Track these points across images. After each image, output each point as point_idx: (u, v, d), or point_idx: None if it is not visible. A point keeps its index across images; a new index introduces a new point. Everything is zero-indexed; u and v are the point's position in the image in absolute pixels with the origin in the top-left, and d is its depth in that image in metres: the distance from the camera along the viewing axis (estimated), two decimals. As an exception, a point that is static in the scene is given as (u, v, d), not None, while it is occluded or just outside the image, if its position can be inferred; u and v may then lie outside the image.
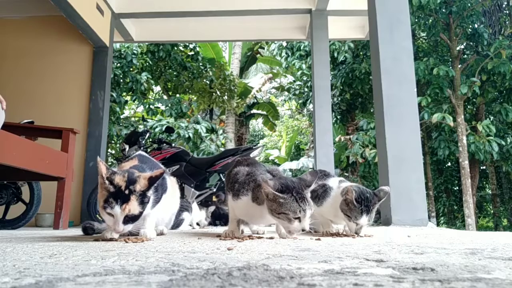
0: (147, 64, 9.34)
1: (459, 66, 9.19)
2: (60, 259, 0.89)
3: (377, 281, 0.58)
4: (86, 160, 4.98)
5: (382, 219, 2.89)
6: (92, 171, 4.86)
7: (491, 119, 9.85)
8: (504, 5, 10.18)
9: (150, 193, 1.45)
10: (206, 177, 4.60)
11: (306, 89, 10.58)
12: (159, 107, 10.19)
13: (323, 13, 5.36)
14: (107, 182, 1.39)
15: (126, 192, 1.38)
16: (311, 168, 12.02)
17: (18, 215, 3.37)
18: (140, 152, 1.88)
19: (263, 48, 13.24)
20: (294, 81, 11.20)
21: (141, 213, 1.41)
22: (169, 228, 2.11)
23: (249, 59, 13.59)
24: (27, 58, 5.41)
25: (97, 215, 3.92)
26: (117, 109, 8.68)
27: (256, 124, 19.06)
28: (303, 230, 1.41)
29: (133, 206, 1.38)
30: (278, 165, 14.46)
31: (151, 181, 1.42)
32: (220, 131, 11.49)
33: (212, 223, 3.72)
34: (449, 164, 12.25)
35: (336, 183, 1.80)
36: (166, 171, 1.78)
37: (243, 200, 1.52)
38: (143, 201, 1.41)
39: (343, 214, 1.66)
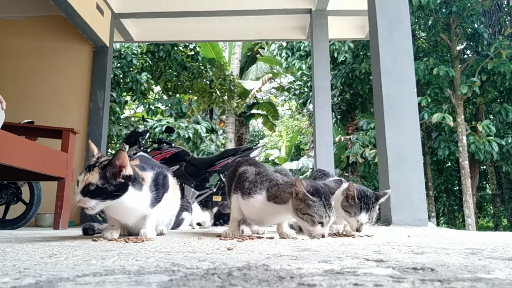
0: (147, 64, 9.33)
1: (459, 66, 9.18)
2: (60, 259, 0.89)
3: (377, 281, 0.58)
4: (86, 160, 4.98)
5: (382, 219, 2.89)
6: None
7: (491, 119, 9.84)
8: (504, 5, 10.18)
9: (119, 179, 1.42)
10: (206, 177, 4.60)
11: (306, 89, 10.58)
12: (159, 107, 10.18)
13: (323, 13, 5.36)
14: (94, 159, 1.48)
15: (95, 163, 1.44)
16: (311, 169, 12.01)
17: (18, 215, 3.37)
18: (141, 153, 1.90)
19: (263, 48, 13.24)
20: (294, 81, 11.20)
21: (98, 187, 1.38)
22: (169, 229, 2.11)
23: (249, 59, 13.59)
24: (27, 58, 5.41)
25: (97, 215, 3.91)
26: (117, 109, 8.67)
27: (256, 124, 19.06)
28: (322, 236, 1.42)
29: (92, 176, 1.40)
30: (278, 165, 14.46)
31: (121, 163, 1.43)
32: (220, 131, 11.48)
33: (213, 223, 3.73)
34: (449, 164, 12.25)
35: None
36: (169, 170, 1.79)
37: (257, 199, 1.51)
38: (106, 177, 1.40)
39: (344, 210, 1.67)
